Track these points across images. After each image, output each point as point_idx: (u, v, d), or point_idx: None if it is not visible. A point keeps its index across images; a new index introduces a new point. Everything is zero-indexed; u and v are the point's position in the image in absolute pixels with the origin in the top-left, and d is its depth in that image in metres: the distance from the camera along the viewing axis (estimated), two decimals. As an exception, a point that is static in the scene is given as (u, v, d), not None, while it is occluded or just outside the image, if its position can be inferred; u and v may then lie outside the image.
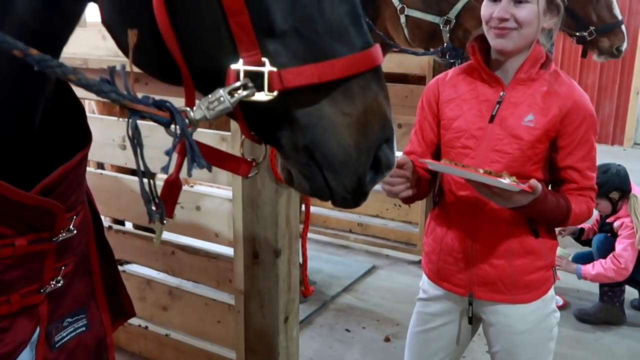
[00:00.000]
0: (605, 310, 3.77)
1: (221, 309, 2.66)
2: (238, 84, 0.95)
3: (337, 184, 1.03)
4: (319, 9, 0.98)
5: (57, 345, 1.50)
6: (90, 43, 2.80)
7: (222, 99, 0.95)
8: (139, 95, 0.96)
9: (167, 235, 2.95)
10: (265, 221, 2.31)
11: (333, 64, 0.97)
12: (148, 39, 0.98)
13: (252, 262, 2.39)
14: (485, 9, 1.79)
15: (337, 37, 0.99)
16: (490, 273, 1.87)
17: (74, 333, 1.55)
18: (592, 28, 3.83)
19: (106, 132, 2.69)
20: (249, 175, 1.16)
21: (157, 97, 0.97)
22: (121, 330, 3.04)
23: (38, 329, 1.42)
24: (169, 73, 1.03)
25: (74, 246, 1.46)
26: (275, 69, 0.95)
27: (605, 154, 5.98)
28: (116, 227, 2.96)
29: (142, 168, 1.00)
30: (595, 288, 3.89)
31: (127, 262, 3.34)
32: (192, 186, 4.85)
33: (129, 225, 3.56)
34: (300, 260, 2.49)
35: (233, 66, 0.95)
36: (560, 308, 3.95)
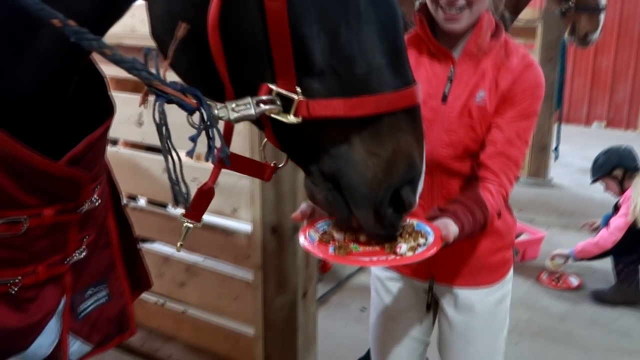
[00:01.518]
0: (622, 291, 3.76)
1: (239, 285, 2.65)
2: (265, 97, 0.98)
3: (359, 213, 1.07)
4: (360, 49, 0.99)
5: (81, 316, 1.52)
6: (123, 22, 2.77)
7: (248, 105, 0.98)
8: (168, 80, 0.99)
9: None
10: (285, 197, 2.30)
11: (364, 101, 0.99)
12: (196, 54, 1.01)
13: (271, 238, 2.38)
14: None
15: (375, 75, 1.01)
16: (452, 257, 1.75)
17: (96, 304, 1.58)
18: (571, 3, 3.80)
19: (122, 109, 2.64)
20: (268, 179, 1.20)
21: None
22: (138, 307, 3.04)
23: (64, 299, 1.44)
24: (209, 85, 1.04)
25: (96, 217, 1.47)
26: (304, 99, 0.98)
27: (618, 139, 5.94)
28: (133, 204, 2.96)
29: (168, 150, 1.03)
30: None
31: (144, 240, 3.35)
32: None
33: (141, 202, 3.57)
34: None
35: (269, 83, 0.99)
36: (576, 288, 3.96)
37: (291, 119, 0.98)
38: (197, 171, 2.56)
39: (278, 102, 0.98)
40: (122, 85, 3.53)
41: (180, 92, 0.97)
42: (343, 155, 1.03)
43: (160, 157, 2.76)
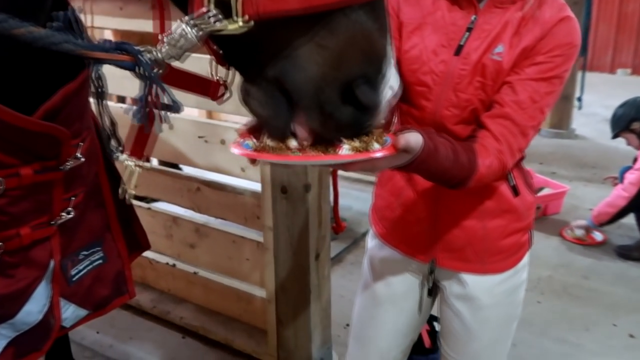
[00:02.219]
0: (647, 246, 3.65)
1: (250, 246, 2.57)
2: (201, 13, 0.80)
3: (310, 119, 0.91)
4: None
5: (74, 279, 1.45)
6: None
7: (185, 32, 0.81)
8: (99, 41, 0.85)
9: (191, 171, 2.85)
10: (294, 154, 2.18)
11: None
12: None
13: (281, 198, 2.27)
14: None
15: None
16: (458, 237, 1.53)
17: (91, 266, 1.51)
18: None
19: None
20: (221, 99, 1.03)
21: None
22: (149, 268, 3.00)
23: (52, 262, 1.37)
24: None
25: (83, 175, 1.39)
26: None
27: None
28: (140, 163, 2.86)
29: (108, 119, 0.95)
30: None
31: (154, 200, 3.27)
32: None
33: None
34: (332, 196, 2.37)
35: None
36: (600, 244, 3.84)
37: (238, 24, 0.80)
38: (204, 128, 2.44)
39: (214, 12, 0.81)
40: (128, 37, 3.40)
41: (115, 50, 0.84)
42: (288, 53, 0.86)
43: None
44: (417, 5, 1.45)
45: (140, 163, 1.02)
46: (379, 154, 1.01)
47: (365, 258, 1.77)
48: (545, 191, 4.41)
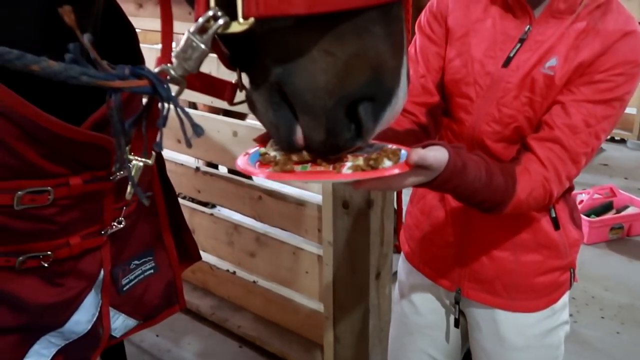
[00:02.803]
0: None
1: (310, 259, 2.50)
2: (204, 18, 0.76)
3: (307, 127, 0.84)
4: None
5: (124, 289, 1.45)
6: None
7: (194, 44, 0.78)
8: (113, 67, 0.81)
9: (254, 179, 2.82)
10: (357, 168, 2.10)
11: None
12: None
13: (342, 213, 2.20)
14: None
15: None
16: (487, 267, 1.40)
17: (142, 276, 1.51)
18: None
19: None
20: (236, 103, 0.96)
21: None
22: (210, 274, 2.99)
23: (102, 272, 1.36)
24: None
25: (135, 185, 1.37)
26: None
27: None
28: (204, 168, 2.86)
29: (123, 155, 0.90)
30: None
31: (213, 206, 3.27)
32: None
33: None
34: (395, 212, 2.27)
35: None
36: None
37: (240, 24, 0.76)
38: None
39: (219, 14, 0.77)
40: (146, 37, 3.41)
41: (131, 76, 0.80)
42: (291, 57, 0.80)
43: (231, 121, 2.63)
44: (467, 9, 1.33)
45: (141, 159, 1.00)
46: (384, 171, 0.90)
47: (396, 287, 1.67)
48: (630, 210, 4.12)
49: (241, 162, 0.94)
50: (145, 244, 1.50)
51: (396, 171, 0.91)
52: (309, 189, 2.36)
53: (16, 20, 1.04)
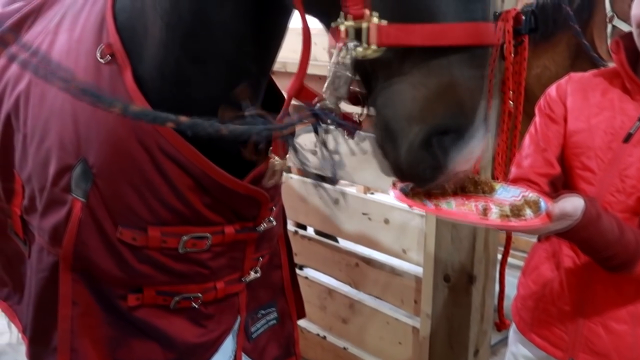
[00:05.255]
0: None
1: (404, 330, 2.48)
2: (344, 48, 0.89)
3: (390, 153, 0.93)
4: None
5: (253, 336, 1.54)
6: (288, 47, 2.79)
7: (338, 74, 0.90)
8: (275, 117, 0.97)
9: (352, 246, 2.85)
10: (461, 242, 2.10)
11: (446, 29, 0.85)
12: None
13: (443, 286, 2.18)
14: (638, 8, 1.34)
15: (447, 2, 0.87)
16: (604, 339, 1.39)
17: (267, 325, 1.60)
18: None
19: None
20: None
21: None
22: (300, 337, 2.99)
23: (239, 317, 1.46)
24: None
25: (271, 237, 1.49)
26: (378, 22, 0.87)
27: None
28: (302, 232, 2.93)
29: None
30: None
31: (302, 267, 3.31)
32: (372, 193, 4.74)
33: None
34: (497, 289, 2.23)
35: (334, 24, 0.91)
36: None
37: (372, 49, 0.87)
38: (368, 205, 2.45)
39: (354, 43, 0.89)
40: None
41: (298, 121, 0.95)
42: (388, 87, 0.90)
43: (328, 187, 2.70)
44: (583, 92, 1.46)
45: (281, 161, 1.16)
46: (529, 223, 1.04)
47: (508, 352, 1.68)
48: None
49: (395, 193, 1.06)
50: (271, 295, 1.59)
51: (539, 224, 1.05)
52: (409, 260, 2.36)
53: (207, 80, 1.17)
